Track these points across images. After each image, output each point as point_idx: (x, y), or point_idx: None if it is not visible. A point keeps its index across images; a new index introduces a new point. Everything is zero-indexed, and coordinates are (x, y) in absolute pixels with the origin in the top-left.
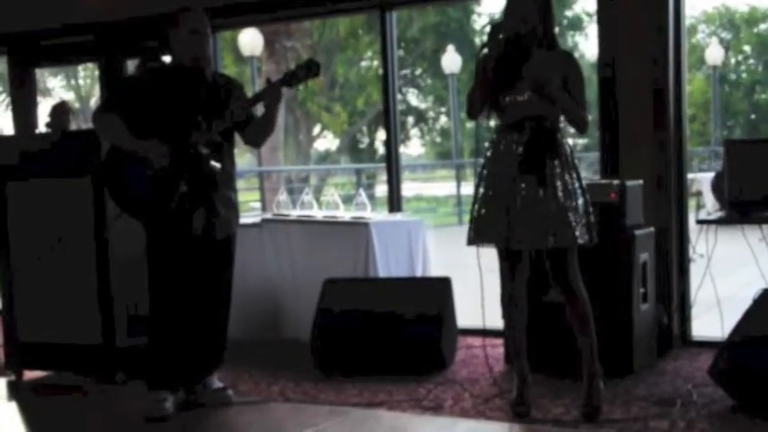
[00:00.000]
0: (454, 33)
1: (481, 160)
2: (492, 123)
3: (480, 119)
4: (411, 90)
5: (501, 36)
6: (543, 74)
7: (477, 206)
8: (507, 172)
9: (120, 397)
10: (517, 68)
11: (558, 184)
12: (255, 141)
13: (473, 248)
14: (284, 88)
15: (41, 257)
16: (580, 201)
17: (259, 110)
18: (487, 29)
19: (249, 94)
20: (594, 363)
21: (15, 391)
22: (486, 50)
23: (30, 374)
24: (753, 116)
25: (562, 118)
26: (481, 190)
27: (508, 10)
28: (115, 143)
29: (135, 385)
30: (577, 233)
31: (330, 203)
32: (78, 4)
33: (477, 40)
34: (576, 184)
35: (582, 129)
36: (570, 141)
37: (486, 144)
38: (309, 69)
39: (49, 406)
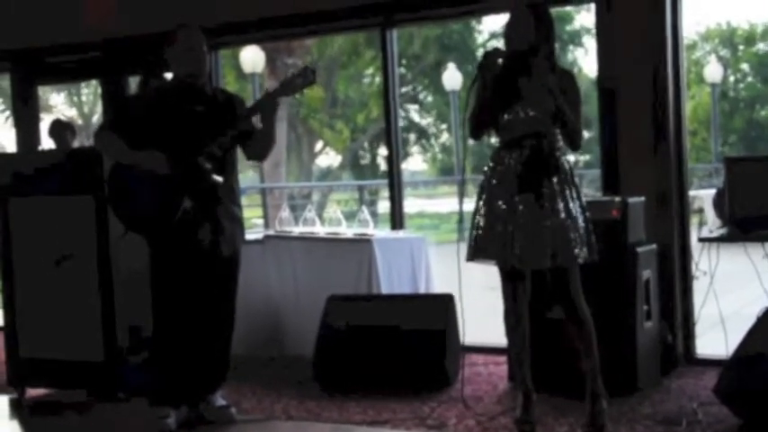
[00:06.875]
0: (456, 46)
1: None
2: (493, 140)
3: (482, 138)
4: (412, 106)
5: (499, 60)
6: (540, 93)
7: (475, 222)
8: (506, 190)
9: (123, 414)
10: (515, 86)
11: (558, 202)
12: (258, 155)
13: (476, 265)
14: (282, 98)
15: (44, 274)
16: (580, 219)
17: (258, 123)
18: (483, 52)
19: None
20: (597, 382)
21: (18, 409)
22: (481, 73)
23: (32, 392)
24: (752, 133)
25: (560, 136)
26: (481, 207)
27: (508, 27)
28: (115, 158)
29: (137, 402)
30: (577, 251)
31: (333, 220)
32: (82, 22)
33: (479, 53)
34: (577, 203)
35: (577, 144)
36: (571, 158)
37: (491, 164)
38: (306, 77)
39: (52, 424)
